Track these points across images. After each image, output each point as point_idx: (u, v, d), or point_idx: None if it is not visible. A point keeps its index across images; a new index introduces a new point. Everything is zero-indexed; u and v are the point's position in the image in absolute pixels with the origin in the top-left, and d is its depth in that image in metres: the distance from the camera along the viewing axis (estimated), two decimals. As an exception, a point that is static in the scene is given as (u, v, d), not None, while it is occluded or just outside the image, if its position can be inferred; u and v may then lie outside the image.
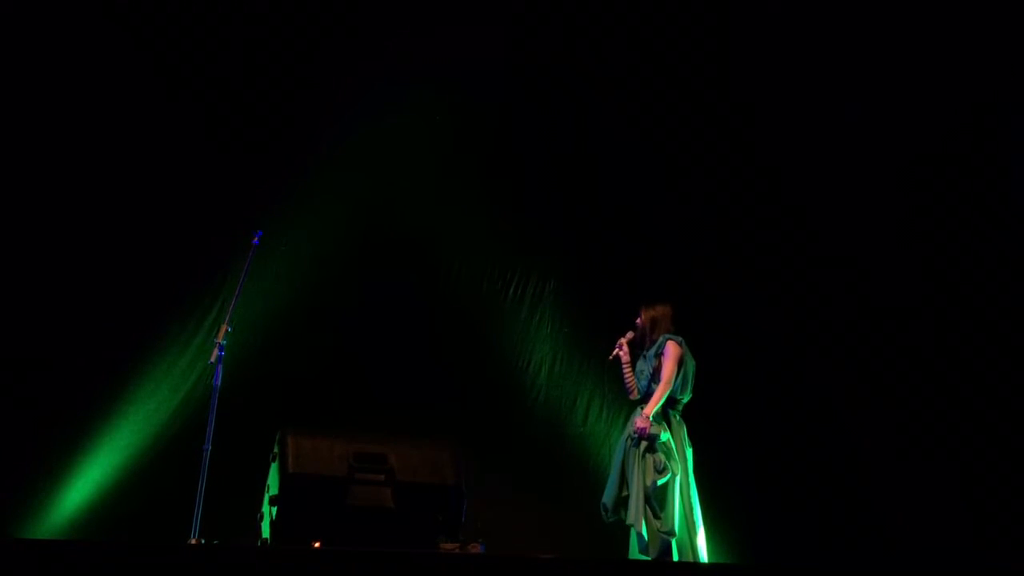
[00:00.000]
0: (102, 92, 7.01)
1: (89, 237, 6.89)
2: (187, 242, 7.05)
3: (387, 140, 7.70)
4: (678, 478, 5.90)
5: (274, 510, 5.26)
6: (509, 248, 7.86)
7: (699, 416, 6.37)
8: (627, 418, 6.33)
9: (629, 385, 6.33)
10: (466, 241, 7.78)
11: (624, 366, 6.35)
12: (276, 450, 5.40)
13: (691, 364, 6.17)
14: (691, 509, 5.94)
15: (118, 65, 7.07)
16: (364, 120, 7.65)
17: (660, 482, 5.84)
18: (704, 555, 5.94)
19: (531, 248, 7.87)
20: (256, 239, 5.96)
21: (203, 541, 5.25)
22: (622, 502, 5.93)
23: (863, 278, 7.83)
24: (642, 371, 6.23)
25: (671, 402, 6.08)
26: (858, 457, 7.56)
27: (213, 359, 5.58)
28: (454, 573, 4.48)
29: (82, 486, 6.66)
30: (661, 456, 5.88)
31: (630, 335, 6.38)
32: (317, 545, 5.08)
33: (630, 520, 5.81)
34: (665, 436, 5.97)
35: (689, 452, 6.07)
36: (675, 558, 5.79)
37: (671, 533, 5.78)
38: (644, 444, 5.91)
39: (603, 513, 6.05)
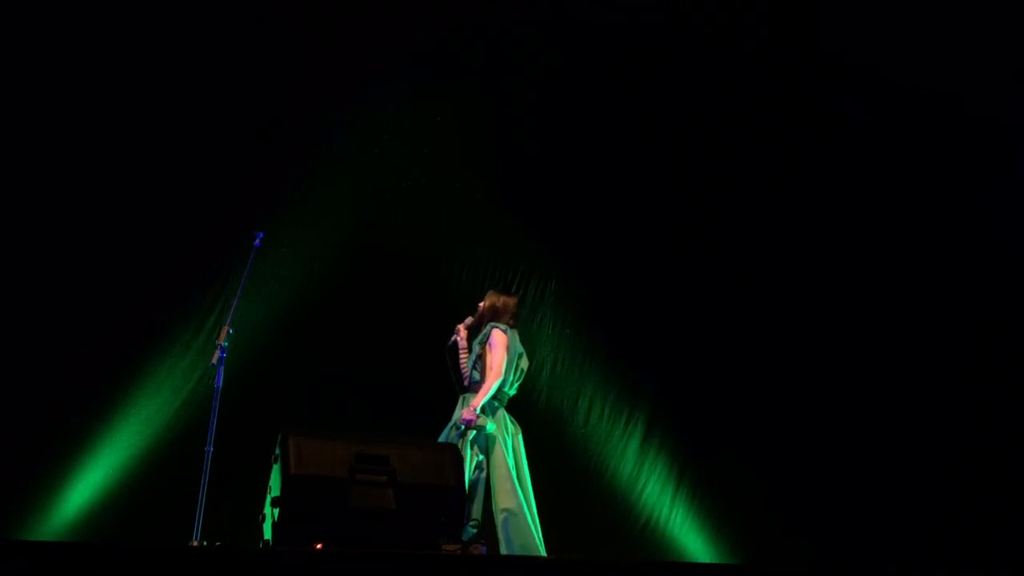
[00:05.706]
0: (103, 93, 7.01)
1: (90, 239, 6.88)
2: (188, 244, 7.05)
3: (388, 141, 7.70)
4: (496, 471, 5.70)
5: (276, 512, 5.24)
6: (510, 249, 7.86)
7: (702, 416, 6.36)
8: (456, 406, 6.03)
9: (464, 373, 6.02)
10: (467, 242, 7.78)
11: (461, 352, 6.06)
12: (278, 452, 5.38)
13: (519, 355, 5.96)
14: (521, 490, 5.73)
15: (118, 65, 7.07)
16: (364, 121, 7.65)
17: (472, 478, 5.68)
18: (531, 531, 5.68)
19: (532, 249, 7.87)
20: (257, 241, 5.97)
21: (205, 543, 5.25)
22: None
23: (870, 278, 7.87)
24: (469, 358, 5.99)
25: (497, 393, 5.86)
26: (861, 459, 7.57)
27: (214, 361, 5.59)
28: (455, 574, 4.48)
29: (83, 488, 6.65)
30: (479, 450, 5.73)
31: (469, 320, 6.14)
32: (319, 547, 5.07)
33: None
34: (491, 427, 5.79)
35: (512, 441, 5.85)
36: (503, 547, 5.60)
37: (477, 524, 5.63)
38: (471, 435, 5.73)
39: None
